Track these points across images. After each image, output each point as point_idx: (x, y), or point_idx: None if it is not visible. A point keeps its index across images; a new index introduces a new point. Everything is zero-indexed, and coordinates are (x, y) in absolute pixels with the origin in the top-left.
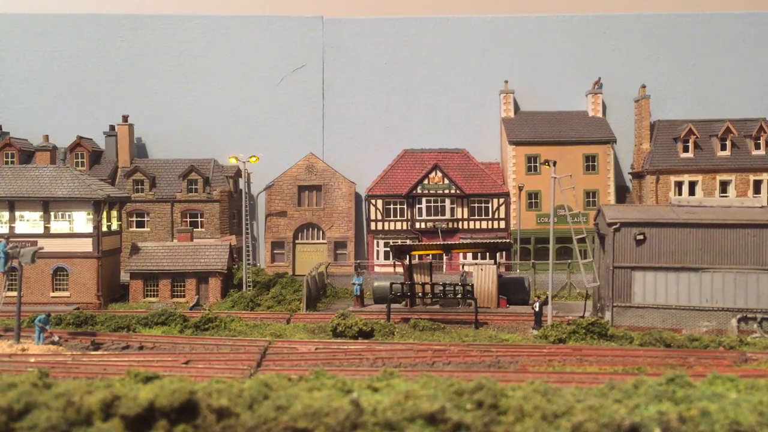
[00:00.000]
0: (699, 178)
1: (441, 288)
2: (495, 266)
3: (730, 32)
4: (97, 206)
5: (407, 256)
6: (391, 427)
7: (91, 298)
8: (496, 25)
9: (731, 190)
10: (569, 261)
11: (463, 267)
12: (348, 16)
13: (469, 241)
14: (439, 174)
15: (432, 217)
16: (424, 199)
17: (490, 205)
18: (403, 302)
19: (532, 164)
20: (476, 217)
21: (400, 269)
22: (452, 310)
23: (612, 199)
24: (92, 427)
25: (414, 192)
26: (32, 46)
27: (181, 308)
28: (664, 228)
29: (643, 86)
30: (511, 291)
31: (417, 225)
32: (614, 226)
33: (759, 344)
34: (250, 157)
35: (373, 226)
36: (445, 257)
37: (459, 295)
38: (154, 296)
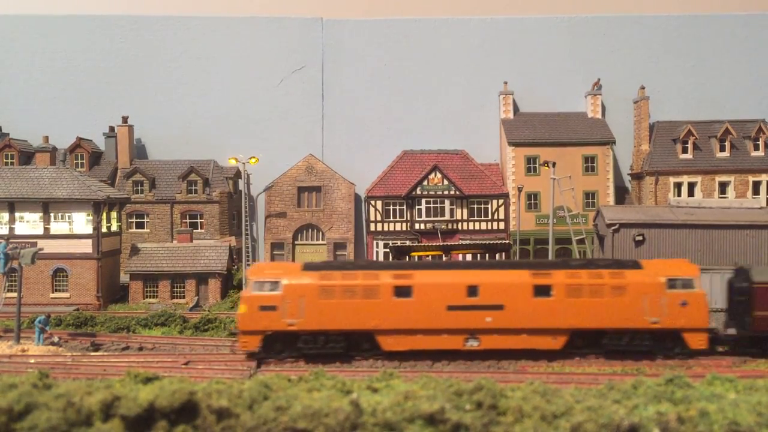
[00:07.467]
0: (698, 179)
1: None
2: None
3: (729, 33)
4: (97, 207)
5: (407, 257)
6: (391, 427)
7: (91, 299)
8: (495, 26)
9: (730, 191)
10: None
11: None
12: (347, 17)
13: (468, 242)
14: (439, 175)
15: (431, 218)
16: (423, 200)
17: (489, 206)
18: None
19: (532, 165)
20: (475, 218)
21: None
22: None
23: (611, 200)
24: (92, 428)
25: (413, 193)
26: (32, 47)
27: (181, 309)
28: (663, 229)
29: (643, 87)
30: None
31: (416, 226)
32: (613, 227)
33: None
34: (250, 158)
35: (372, 227)
36: (444, 258)
37: None
38: (153, 297)
